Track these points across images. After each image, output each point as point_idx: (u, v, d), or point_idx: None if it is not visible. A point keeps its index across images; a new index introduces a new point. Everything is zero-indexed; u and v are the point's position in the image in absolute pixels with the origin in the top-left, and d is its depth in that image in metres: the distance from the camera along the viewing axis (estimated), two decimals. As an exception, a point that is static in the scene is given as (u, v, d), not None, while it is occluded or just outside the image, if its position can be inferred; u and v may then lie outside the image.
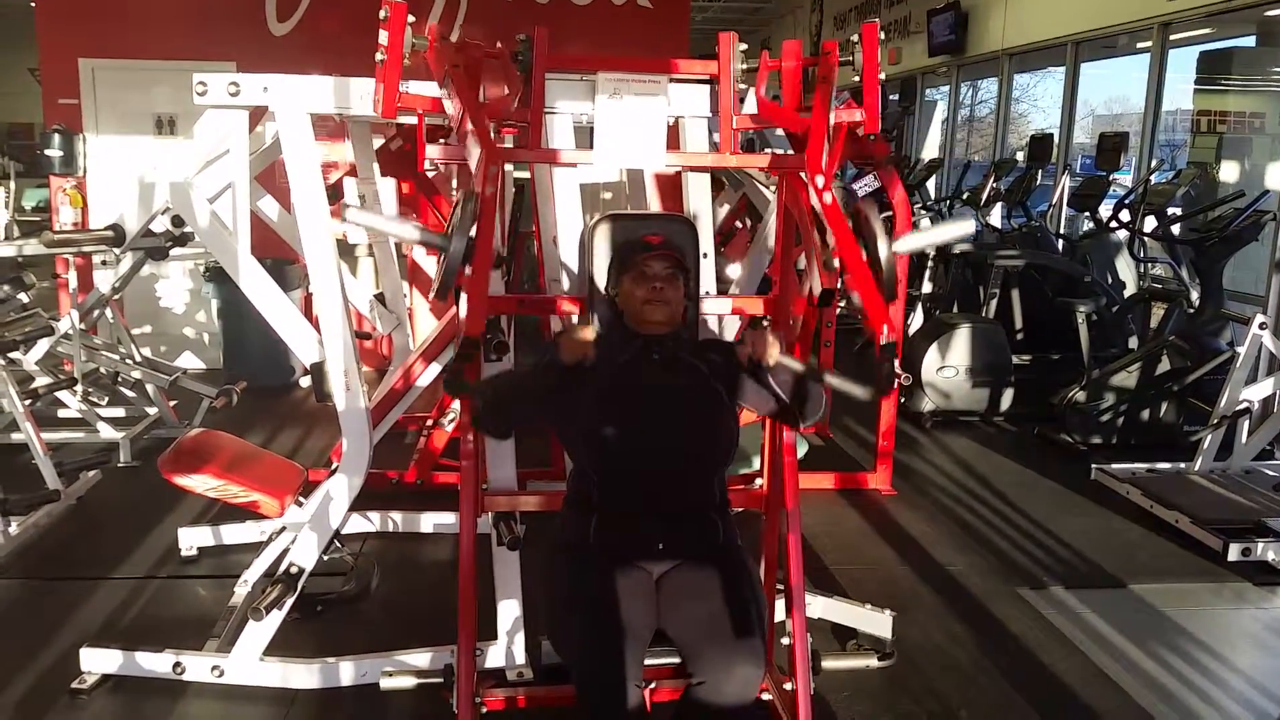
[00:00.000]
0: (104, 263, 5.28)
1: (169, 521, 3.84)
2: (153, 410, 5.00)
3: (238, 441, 3.17)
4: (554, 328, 2.85)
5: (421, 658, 2.77)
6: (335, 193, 4.76)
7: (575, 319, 2.55)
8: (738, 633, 2.11)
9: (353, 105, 2.62)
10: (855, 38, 2.56)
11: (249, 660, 2.74)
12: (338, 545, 3.03)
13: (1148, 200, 5.58)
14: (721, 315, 2.84)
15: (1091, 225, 6.54)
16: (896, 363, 2.11)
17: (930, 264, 6.77)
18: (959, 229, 2.30)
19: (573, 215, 2.71)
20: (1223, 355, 4.82)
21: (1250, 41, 7.26)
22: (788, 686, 2.40)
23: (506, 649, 2.78)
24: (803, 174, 2.34)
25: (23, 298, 4.85)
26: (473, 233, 1.99)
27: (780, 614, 2.53)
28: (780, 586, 2.51)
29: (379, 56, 2.37)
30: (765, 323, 2.45)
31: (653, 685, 2.27)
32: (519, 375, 2.38)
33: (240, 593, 3.16)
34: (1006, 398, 5.56)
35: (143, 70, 6.23)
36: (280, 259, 5.06)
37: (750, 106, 2.82)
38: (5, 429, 4.57)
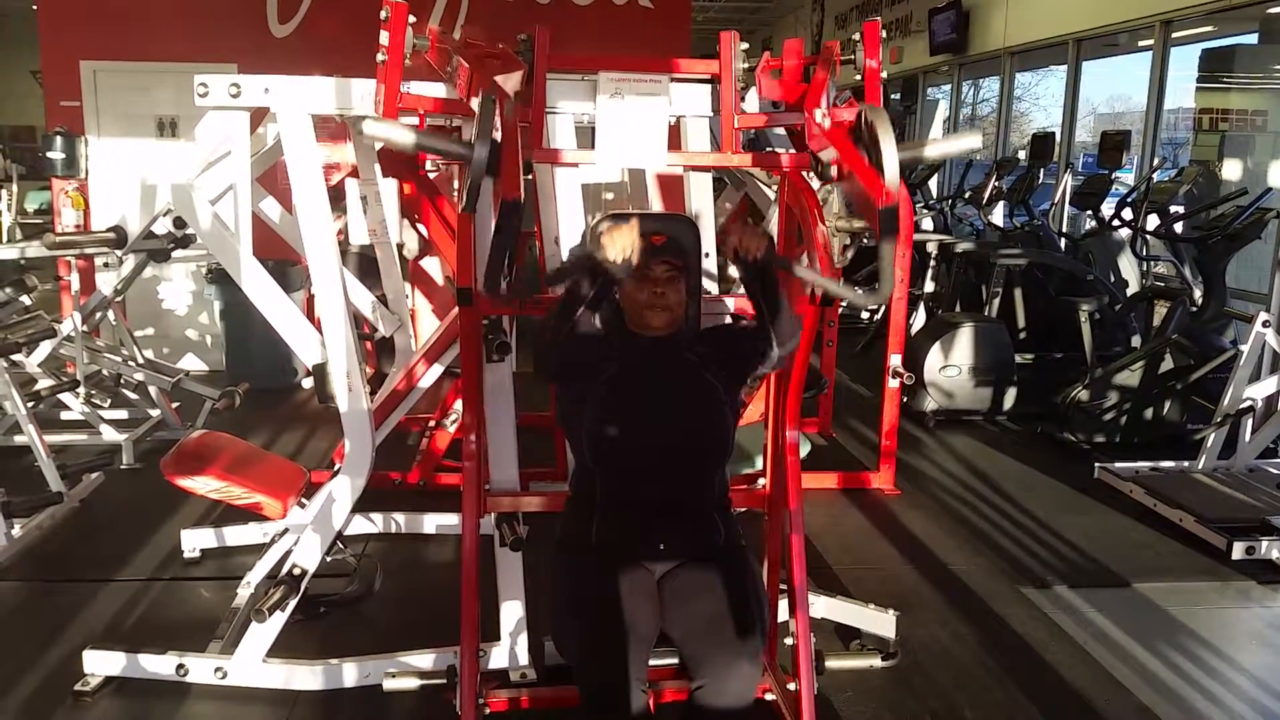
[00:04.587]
0: (106, 265, 5.28)
1: (172, 523, 3.84)
2: (155, 412, 5.00)
3: (240, 443, 3.17)
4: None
5: (424, 659, 2.77)
6: (337, 194, 4.76)
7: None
8: (738, 634, 2.11)
9: (354, 106, 2.62)
10: (857, 36, 2.56)
11: (252, 662, 2.74)
12: (340, 546, 3.02)
13: (1150, 198, 5.57)
14: (724, 314, 2.84)
15: (1094, 224, 6.53)
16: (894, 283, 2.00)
17: (933, 263, 6.77)
18: (964, 142, 2.26)
19: (575, 215, 2.71)
20: (1226, 353, 4.81)
21: (1253, 39, 7.25)
22: (791, 687, 2.40)
23: (509, 650, 2.78)
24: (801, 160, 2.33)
25: (25, 300, 4.86)
26: (497, 136, 1.93)
27: (783, 614, 2.53)
28: (783, 586, 2.51)
29: (380, 57, 2.37)
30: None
31: (657, 686, 2.27)
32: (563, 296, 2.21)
33: (243, 594, 3.16)
34: (1009, 397, 5.56)
35: (144, 72, 6.23)
36: (282, 260, 5.06)
37: (752, 105, 2.82)
38: (8, 431, 4.57)
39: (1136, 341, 5.73)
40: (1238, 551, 3.68)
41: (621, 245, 2.03)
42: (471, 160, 1.91)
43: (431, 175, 4.91)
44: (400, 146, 2.07)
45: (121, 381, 5.19)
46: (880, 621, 3.03)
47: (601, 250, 2.03)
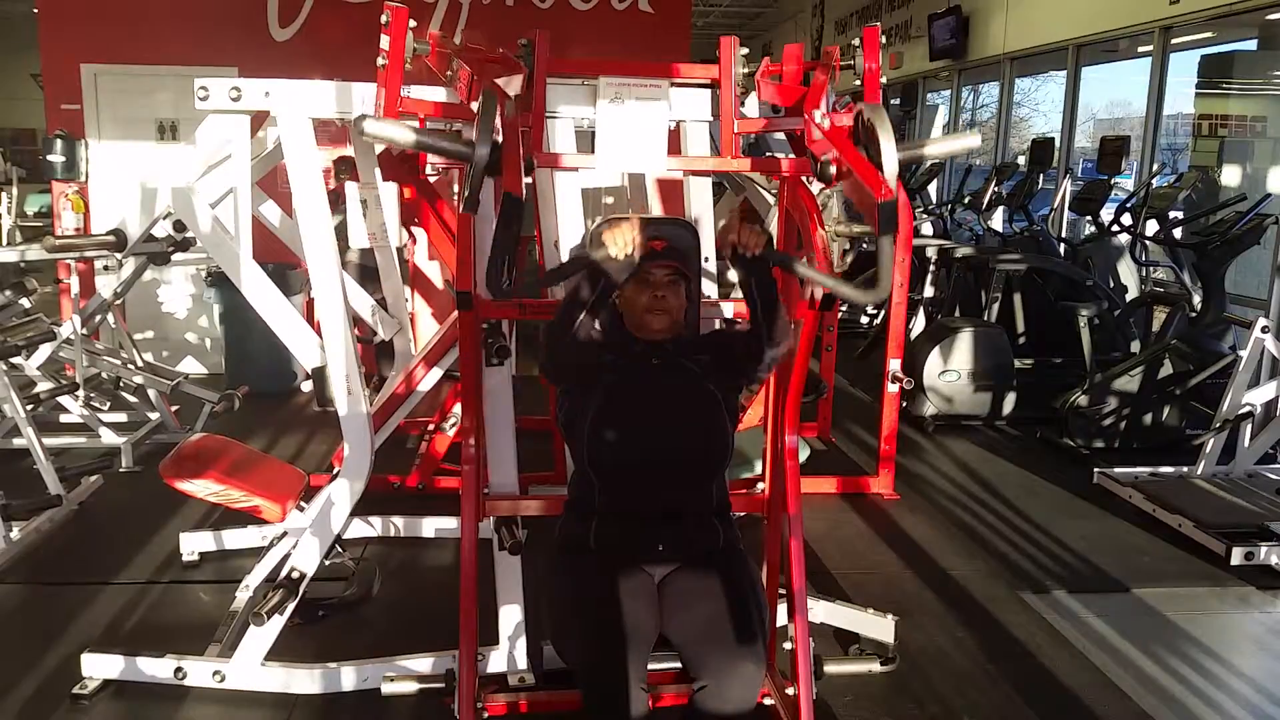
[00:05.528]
0: (106, 268, 5.28)
1: (171, 526, 3.84)
2: (154, 415, 5.00)
3: (239, 446, 3.17)
4: None
5: (423, 663, 2.77)
6: (337, 198, 4.77)
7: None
8: (739, 636, 2.11)
9: (354, 110, 2.62)
10: (857, 41, 2.57)
11: (250, 665, 2.73)
12: (339, 550, 3.02)
13: (1149, 204, 5.57)
14: (722, 318, 2.84)
15: (1093, 229, 6.53)
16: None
17: (932, 268, 6.77)
18: (963, 141, 2.26)
19: (574, 219, 2.72)
20: (1225, 359, 4.82)
21: (1252, 45, 7.26)
22: (790, 691, 2.39)
23: (508, 654, 2.78)
24: (801, 159, 2.33)
25: (25, 303, 4.86)
26: (498, 136, 1.94)
27: (782, 619, 2.52)
28: (782, 591, 2.51)
29: (380, 61, 2.38)
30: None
31: (656, 690, 2.27)
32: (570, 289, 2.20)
33: (242, 598, 3.15)
34: (1009, 402, 5.56)
35: (144, 75, 6.24)
36: (282, 264, 5.06)
37: (751, 110, 2.82)
38: (7, 434, 4.57)
39: (1136, 347, 5.74)
40: (1237, 557, 3.68)
41: (623, 241, 2.03)
42: (473, 159, 1.91)
43: (431, 179, 4.92)
44: (401, 145, 2.08)
45: (121, 384, 5.20)
46: (879, 626, 3.03)
47: (602, 248, 2.03)
